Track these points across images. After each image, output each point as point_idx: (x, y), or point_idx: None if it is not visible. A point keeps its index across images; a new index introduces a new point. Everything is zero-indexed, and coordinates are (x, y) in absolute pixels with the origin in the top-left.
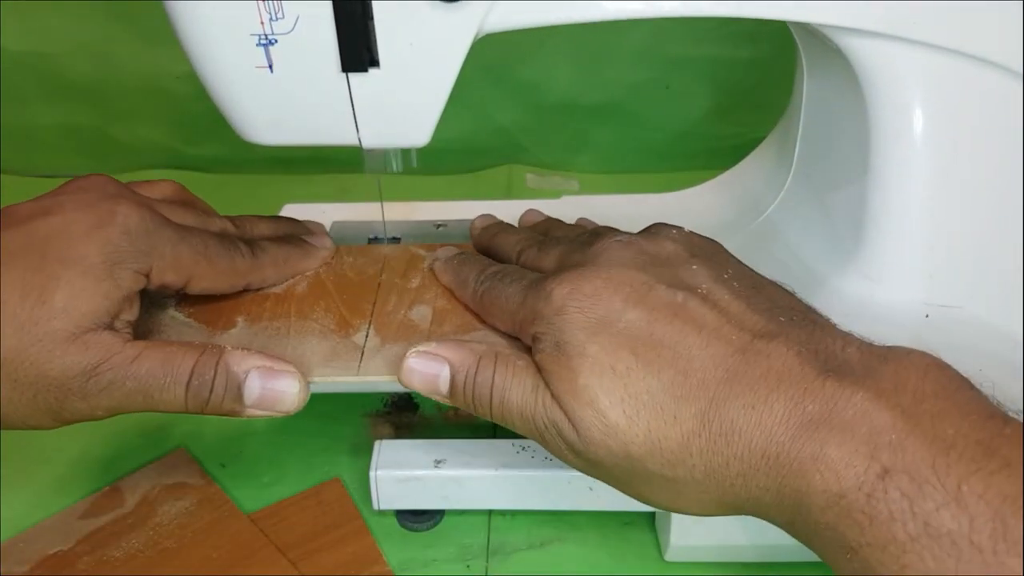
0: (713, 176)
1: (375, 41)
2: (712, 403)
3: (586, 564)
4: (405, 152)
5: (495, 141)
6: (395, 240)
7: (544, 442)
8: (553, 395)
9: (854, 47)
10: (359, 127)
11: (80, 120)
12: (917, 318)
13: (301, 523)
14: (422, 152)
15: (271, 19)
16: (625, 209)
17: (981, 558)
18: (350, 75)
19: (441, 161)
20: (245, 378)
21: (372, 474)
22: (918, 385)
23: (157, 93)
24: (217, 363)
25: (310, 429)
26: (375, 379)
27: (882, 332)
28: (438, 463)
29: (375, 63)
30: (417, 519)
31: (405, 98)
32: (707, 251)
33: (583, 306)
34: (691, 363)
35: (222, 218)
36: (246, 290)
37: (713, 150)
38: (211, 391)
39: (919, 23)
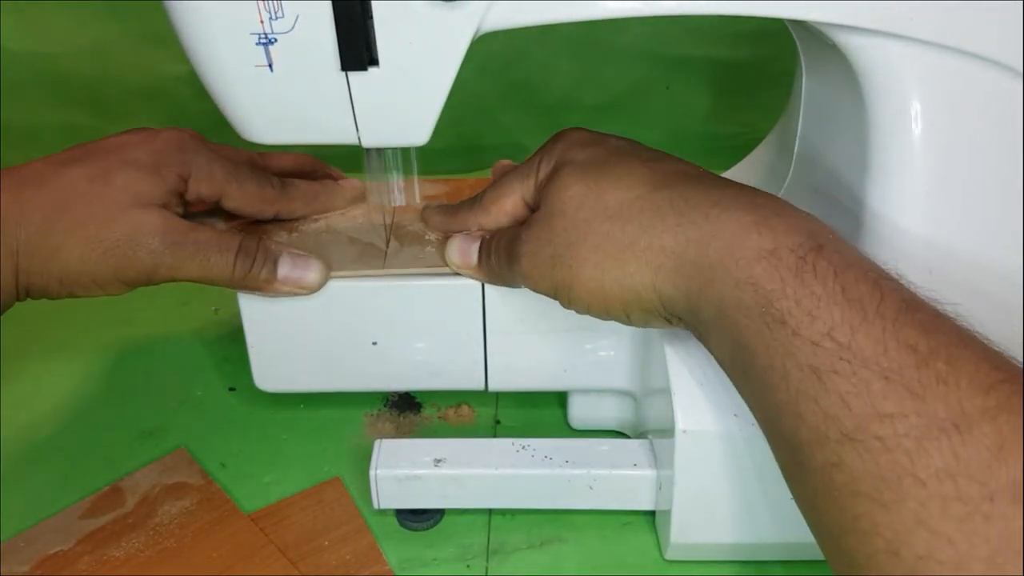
0: None
1: (374, 40)
2: (665, 183)
3: (586, 564)
4: (405, 152)
5: (494, 140)
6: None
7: (511, 256)
8: (536, 201)
9: (853, 45)
10: (358, 126)
11: (80, 120)
12: None
13: (301, 523)
14: (421, 151)
15: (271, 18)
16: None
17: (882, 324)
18: (350, 74)
19: (440, 160)
20: (279, 256)
21: (372, 473)
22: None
23: (157, 93)
24: (259, 242)
25: (310, 429)
26: (398, 272)
27: None
28: (438, 463)
29: (374, 62)
30: (417, 519)
31: (404, 97)
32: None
33: (579, 135)
34: (659, 165)
35: (247, 151)
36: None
37: (713, 149)
38: (253, 262)
39: (918, 21)
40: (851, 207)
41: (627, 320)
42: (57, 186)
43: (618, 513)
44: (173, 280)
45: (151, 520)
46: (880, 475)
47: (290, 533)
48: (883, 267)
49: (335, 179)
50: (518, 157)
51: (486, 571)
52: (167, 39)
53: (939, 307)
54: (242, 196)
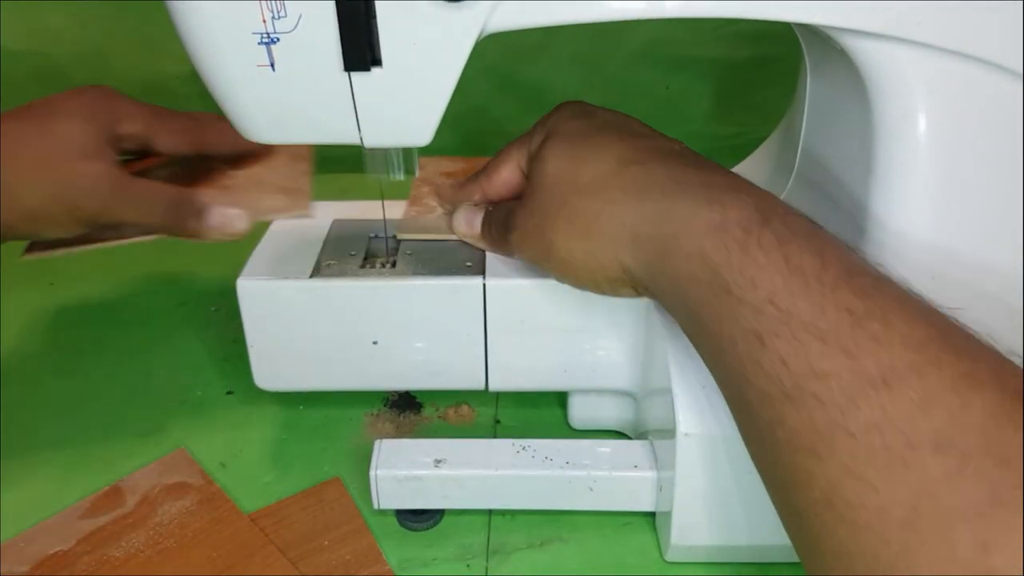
0: None
1: (377, 40)
2: (636, 159)
3: (586, 564)
4: (406, 152)
5: (496, 140)
6: (396, 239)
7: (507, 227)
8: (529, 159)
9: (859, 48)
10: (361, 126)
11: None
12: None
13: (301, 523)
14: (423, 151)
15: (273, 18)
16: None
17: (821, 289)
18: (352, 74)
19: None
20: (206, 208)
21: (372, 473)
22: (812, 223)
23: (157, 93)
24: (191, 194)
25: (310, 429)
26: (408, 236)
27: None
28: (438, 463)
29: (377, 62)
30: (417, 519)
31: (407, 97)
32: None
33: (573, 107)
34: (638, 141)
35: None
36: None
37: (714, 150)
38: (184, 213)
39: (923, 25)
40: (855, 209)
41: (599, 290)
42: (8, 137)
43: (618, 514)
44: (117, 222)
45: (151, 520)
46: (815, 429)
47: (290, 533)
48: (833, 238)
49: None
50: None
51: (486, 571)
52: (167, 39)
53: (882, 271)
54: (169, 131)
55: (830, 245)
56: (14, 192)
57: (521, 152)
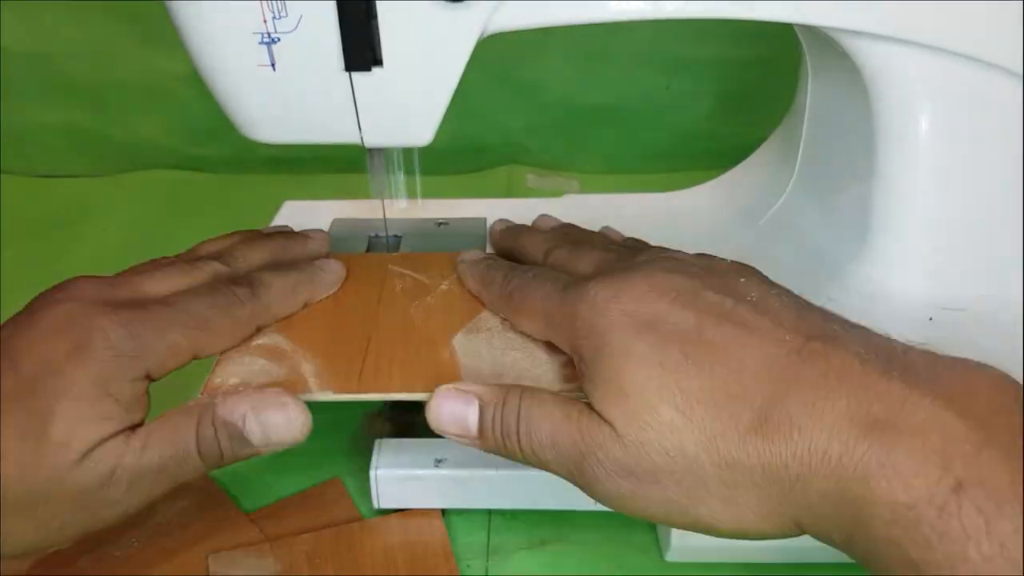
0: (715, 176)
1: (378, 40)
2: (769, 400)
3: (586, 564)
4: (407, 152)
5: (496, 141)
6: (396, 238)
7: (583, 471)
8: (594, 407)
9: (860, 50)
10: (361, 126)
11: (80, 120)
12: (921, 321)
13: (301, 523)
14: (424, 151)
15: (274, 18)
16: (627, 209)
17: None
18: (353, 74)
19: (442, 161)
20: (243, 423)
21: (372, 473)
22: (990, 396)
23: (157, 93)
24: (213, 420)
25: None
26: (374, 396)
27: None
28: (438, 463)
29: (378, 62)
30: None
31: (408, 98)
32: (753, 271)
33: (627, 308)
34: (744, 362)
35: (209, 259)
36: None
37: (715, 150)
38: (220, 448)
39: (924, 26)
40: (856, 211)
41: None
42: None
43: (618, 514)
44: (151, 502)
45: (151, 519)
46: None
47: (290, 533)
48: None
49: (309, 253)
50: (519, 158)
51: (486, 571)
52: (167, 39)
53: None
54: (216, 340)
55: None
56: (9, 540)
57: (552, 330)
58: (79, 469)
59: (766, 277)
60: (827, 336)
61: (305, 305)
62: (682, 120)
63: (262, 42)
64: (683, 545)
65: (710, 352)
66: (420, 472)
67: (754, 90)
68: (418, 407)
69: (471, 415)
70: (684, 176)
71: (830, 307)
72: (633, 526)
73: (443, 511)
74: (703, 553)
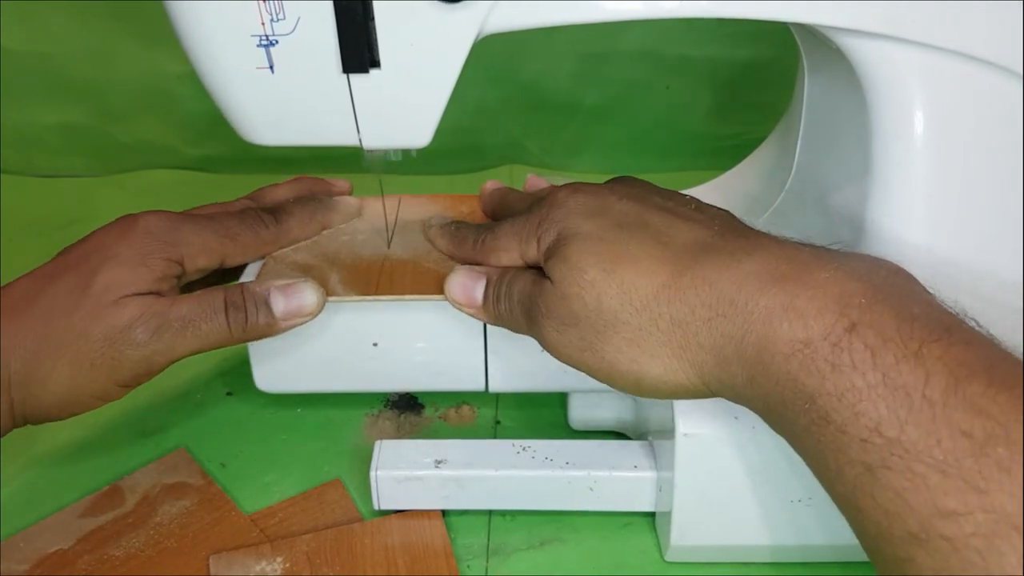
0: (713, 176)
1: (376, 42)
2: (688, 263)
3: (586, 564)
4: (406, 152)
5: (496, 141)
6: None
7: (531, 318)
8: (546, 273)
9: (855, 48)
10: (360, 128)
11: (80, 120)
12: None
13: (301, 523)
14: (423, 152)
15: (272, 20)
16: None
17: (931, 411)
18: (351, 76)
19: (442, 161)
20: (268, 295)
21: (372, 474)
22: (888, 276)
23: (157, 93)
24: (242, 290)
25: (310, 429)
26: (389, 298)
27: None
28: (438, 463)
29: (376, 64)
30: None
31: (406, 99)
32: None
33: (581, 200)
34: (673, 238)
35: (241, 199)
36: None
37: (713, 150)
38: (246, 312)
39: (920, 24)
40: (852, 209)
41: (670, 398)
42: (43, 307)
43: (618, 514)
44: (174, 362)
45: (151, 520)
46: (953, 575)
47: (290, 533)
48: (927, 315)
49: (332, 195)
50: (519, 158)
51: (486, 571)
52: (167, 39)
53: (994, 356)
54: (241, 251)
55: (926, 337)
56: (45, 384)
57: (525, 247)
58: (113, 310)
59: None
60: (753, 233)
61: (322, 229)
62: (682, 120)
63: (260, 44)
64: (683, 545)
65: (643, 228)
66: (420, 473)
67: (754, 90)
68: (418, 408)
69: (478, 289)
70: (684, 176)
71: None
72: (633, 526)
73: (443, 511)
74: (703, 553)
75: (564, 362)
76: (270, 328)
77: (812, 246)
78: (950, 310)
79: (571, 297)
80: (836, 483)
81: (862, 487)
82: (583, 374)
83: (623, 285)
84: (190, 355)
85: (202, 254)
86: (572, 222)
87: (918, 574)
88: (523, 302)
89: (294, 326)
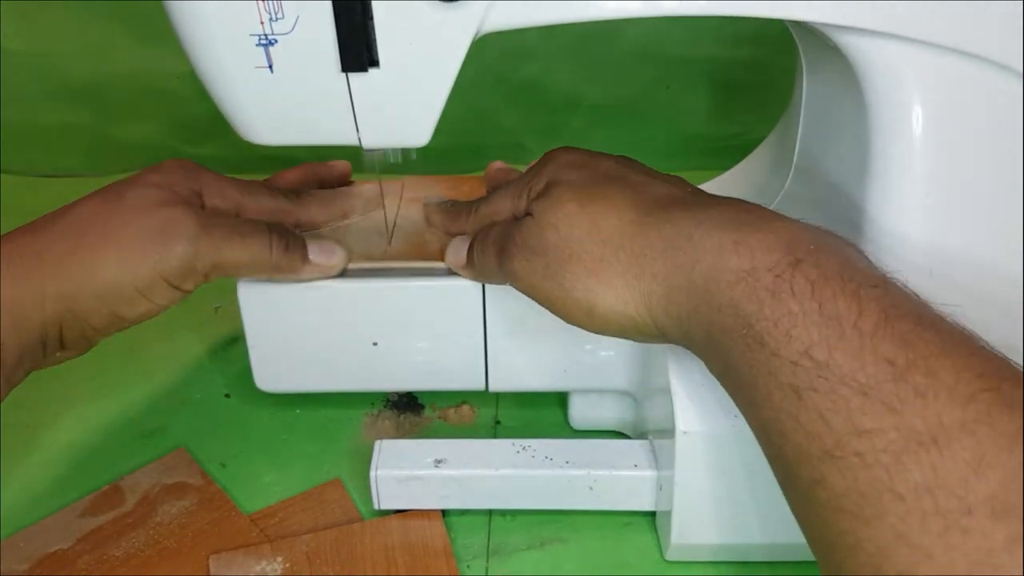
0: (713, 176)
1: (375, 41)
2: (655, 208)
3: (586, 564)
4: (405, 151)
5: (495, 141)
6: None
7: (504, 252)
8: (528, 213)
9: (854, 46)
10: (359, 127)
11: (80, 120)
12: None
13: (301, 523)
14: (422, 152)
15: (271, 19)
16: None
17: (860, 340)
18: (350, 75)
19: (441, 161)
20: (306, 241)
21: (372, 474)
22: (840, 241)
23: (157, 93)
24: (285, 227)
25: (310, 429)
26: (399, 265)
27: None
28: (438, 463)
29: (375, 63)
30: None
31: (405, 98)
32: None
33: (572, 156)
34: (648, 189)
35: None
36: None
37: (713, 150)
38: (287, 240)
39: (918, 22)
40: (851, 209)
41: (621, 336)
42: (74, 213)
43: (618, 513)
44: (216, 270)
45: (151, 519)
46: (860, 491)
47: (290, 533)
48: (870, 270)
49: (334, 176)
50: (519, 158)
51: (486, 571)
52: (167, 39)
53: (927, 311)
54: (258, 210)
55: (865, 283)
56: (92, 267)
57: (516, 202)
58: (147, 215)
59: None
60: (731, 200)
61: (343, 216)
62: (682, 120)
63: (259, 44)
64: (683, 544)
65: (624, 180)
66: (420, 472)
67: (754, 90)
68: (418, 408)
69: (464, 247)
70: (684, 176)
71: None
72: (633, 526)
73: (443, 511)
74: (703, 552)
75: (526, 292)
76: (299, 265)
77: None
78: (892, 278)
79: (545, 227)
80: (763, 407)
81: (787, 409)
82: (584, 374)
83: (594, 217)
84: (231, 269)
85: (220, 197)
86: (561, 172)
87: (827, 495)
88: (497, 242)
89: (315, 277)
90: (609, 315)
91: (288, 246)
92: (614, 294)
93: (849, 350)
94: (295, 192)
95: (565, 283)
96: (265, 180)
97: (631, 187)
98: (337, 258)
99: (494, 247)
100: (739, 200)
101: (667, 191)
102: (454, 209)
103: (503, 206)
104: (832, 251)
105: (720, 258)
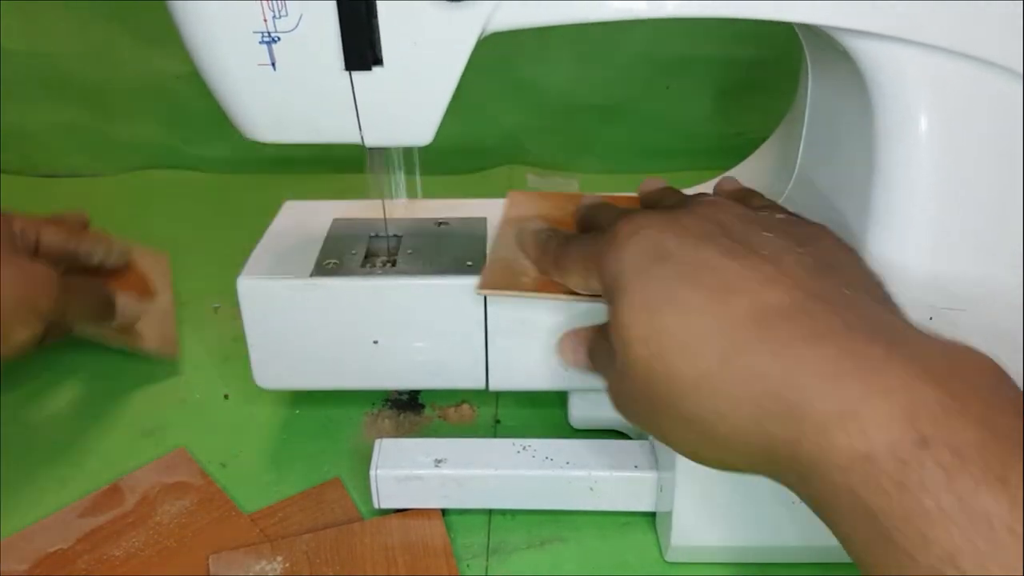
0: (715, 176)
1: (379, 40)
2: (740, 345)
3: (586, 564)
4: (407, 152)
5: (496, 141)
6: (396, 238)
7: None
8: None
9: (861, 49)
10: (362, 125)
11: (80, 120)
12: (921, 320)
13: (301, 523)
14: (424, 151)
15: (274, 17)
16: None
17: (1017, 545)
18: (353, 73)
19: (442, 160)
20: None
21: (372, 473)
22: (973, 377)
23: (157, 93)
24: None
25: (310, 429)
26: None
27: None
28: (438, 463)
29: (378, 62)
30: None
31: (408, 97)
32: (796, 229)
33: (640, 242)
34: (727, 304)
35: None
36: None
37: (715, 150)
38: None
39: (925, 26)
40: (856, 211)
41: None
42: None
43: (618, 514)
44: (65, 317)
45: (151, 519)
46: None
47: (290, 533)
48: (1009, 419)
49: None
50: (519, 157)
51: (486, 571)
52: (167, 39)
53: None
54: (56, 230)
55: (1011, 457)
56: None
57: (587, 274)
58: (34, 262)
59: (805, 235)
60: (826, 298)
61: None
62: (682, 120)
63: (262, 41)
64: (683, 545)
65: (694, 291)
66: (420, 472)
67: (754, 90)
68: (418, 407)
69: (582, 348)
70: (684, 176)
71: None
72: (633, 526)
73: (443, 511)
74: (703, 553)
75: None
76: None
77: (891, 325)
78: None
79: (624, 376)
80: None
81: None
82: (584, 373)
83: (668, 367)
84: (73, 320)
85: (21, 219)
86: (622, 270)
87: None
88: (597, 366)
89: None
90: (716, 464)
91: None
92: (714, 453)
93: (1004, 560)
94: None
95: (665, 435)
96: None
97: (707, 295)
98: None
99: (599, 370)
100: (842, 322)
101: (747, 302)
102: (542, 239)
103: (575, 267)
104: (964, 410)
105: (826, 436)
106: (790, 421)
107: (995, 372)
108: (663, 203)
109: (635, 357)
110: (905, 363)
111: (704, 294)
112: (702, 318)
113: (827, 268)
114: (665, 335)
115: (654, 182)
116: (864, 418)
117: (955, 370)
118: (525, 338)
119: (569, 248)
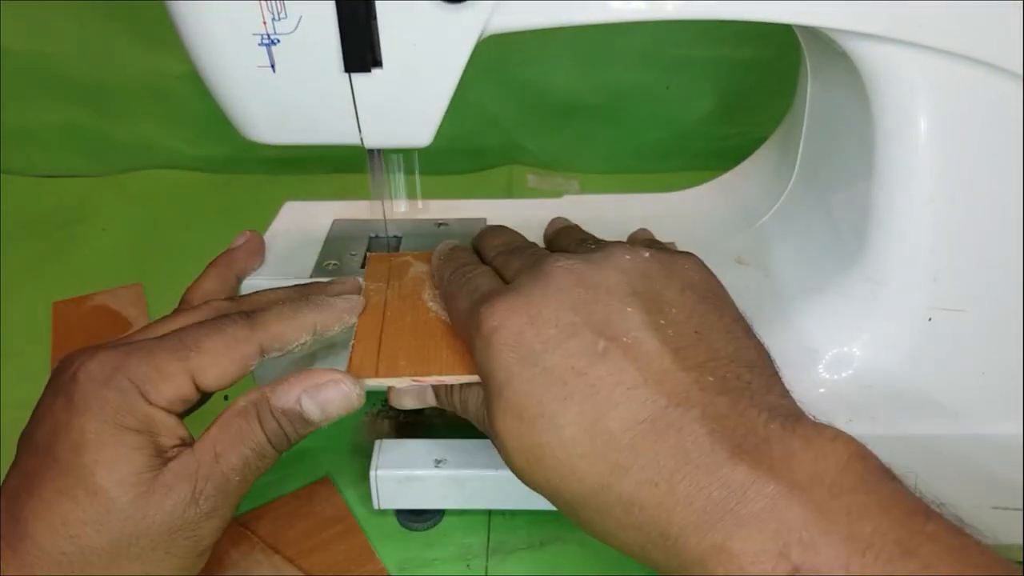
0: (715, 177)
1: (378, 41)
2: (614, 470)
3: (586, 564)
4: (407, 153)
5: (496, 141)
6: (396, 239)
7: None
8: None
9: (859, 50)
10: (361, 127)
11: (80, 120)
12: (920, 321)
13: (292, 523)
14: (424, 152)
15: (274, 19)
16: (627, 210)
17: None
18: (353, 75)
19: (442, 161)
20: (300, 406)
21: (372, 473)
22: (837, 478)
23: (157, 93)
24: (272, 412)
25: None
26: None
27: (885, 335)
28: (438, 463)
29: (378, 63)
30: (417, 519)
31: (408, 98)
32: (654, 285)
33: (506, 342)
34: (597, 423)
35: (221, 301)
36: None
37: (714, 151)
38: (286, 433)
39: (924, 27)
40: (855, 212)
41: None
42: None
43: None
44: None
45: None
46: None
47: (282, 533)
48: (877, 524)
49: (330, 294)
50: (519, 157)
51: (486, 571)
52: (167, 39)
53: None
54: (211, 360)
55: (871, 567)
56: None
57: (463, 329)
58: (154, 499)
59: (666, 289)
60: (689, 402)
61: (316, 330)
62: (682, 120)
63: (262, 43)
64: None
65: (567, 406)
66: (420, 472)
67: (754, 90)
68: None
69: (429, 392)
70: (684, 176)
71: (829, 309)
72: None
73: (443, 511)
74: None
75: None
76: (316, 428)
77: (751, 424)
78: (910, 504)
79: (512, 468)
80: None
81: None
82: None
83: (549, 483)
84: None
85: (165, 382)
86: (495, 373)
87: None
88: (483, 429)
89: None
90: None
91: (287, 435)
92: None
93: None
94: (247, 312)
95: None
96: (239, 298)
97: (575, 421)
98: (344, 401)
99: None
100: (703, 432)
101: (618, 420)
102: (445, 263)
103: (459, 307)
104: (830, 527)
105: (703, 568)
106: (672, 553)
107: (860, 464)
108: (564, 245)
109: (515, 464)
110: (768, 480)
111: (575, 409)
112: (576, 437)
113: (692, 343)
114: (542, 451)
115: (558, 222)
116: (738, 554)
117: (819, 473)
118: None
119: (451, 297)
